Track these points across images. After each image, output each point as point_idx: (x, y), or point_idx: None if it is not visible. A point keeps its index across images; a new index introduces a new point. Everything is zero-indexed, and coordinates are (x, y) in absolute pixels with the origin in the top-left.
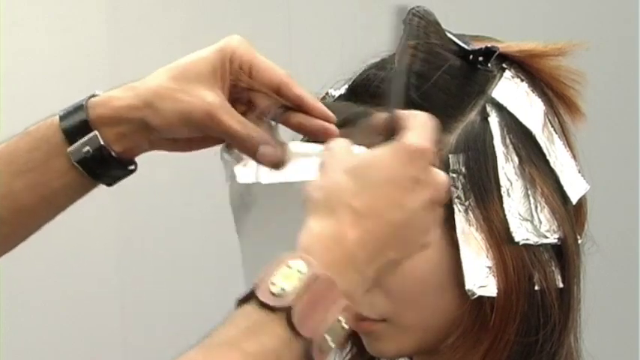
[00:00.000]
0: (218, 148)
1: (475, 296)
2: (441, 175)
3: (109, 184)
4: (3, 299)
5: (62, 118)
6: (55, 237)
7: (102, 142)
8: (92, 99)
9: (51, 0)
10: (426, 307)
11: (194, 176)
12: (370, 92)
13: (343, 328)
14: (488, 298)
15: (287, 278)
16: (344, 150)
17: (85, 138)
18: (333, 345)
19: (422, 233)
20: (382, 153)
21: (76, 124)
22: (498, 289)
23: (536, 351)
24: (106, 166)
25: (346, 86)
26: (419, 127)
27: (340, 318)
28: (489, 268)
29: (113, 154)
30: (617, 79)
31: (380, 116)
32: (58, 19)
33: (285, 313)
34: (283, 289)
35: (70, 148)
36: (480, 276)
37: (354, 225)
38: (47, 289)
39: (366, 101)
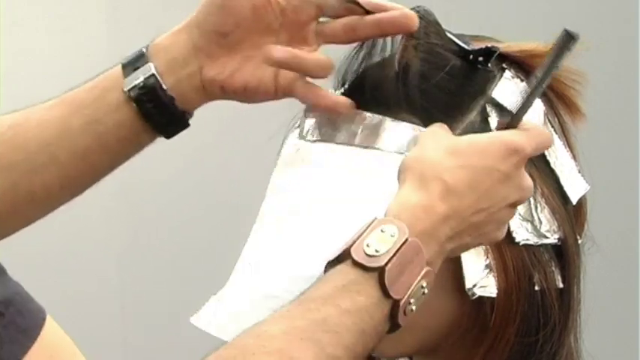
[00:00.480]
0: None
1: (475, 296)
2: (529, 180)
3: (162, 132)
4: None
5: (126, 60)
6: (56, 237)
7: (153, 71)
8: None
9: (51, 0)
10: (427, 306)
11: (195, 176)
12: (369, 92)
13: (424, 293)
14: (489, 298)
15: (381, 241)
16: (445, 130)
17: (139, 68)
18: (414, 308)
19: (498, 228)
20: (484, 141)
21: (134, 57)
22: (498, 289)
23: (536, 351)
24: (157, 103)
25: (346, 86)
26: (529, 130)
27: (423, 283)
28: (489, 268)
29: (164, 86)
30: (617, 79)
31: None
32: (58, 19)
33: (378, 273)
34: (377, 251)
35: (125, 80)
36: (480, 276)
37: (443, 199)
38: (47, 289)
39: (365, 101)
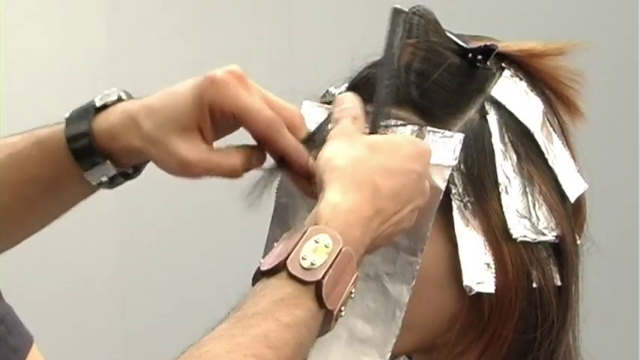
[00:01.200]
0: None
1: (473, 292)
2: (428, 186)
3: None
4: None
5: (69, 139)
6: (56, 237)
7: (115, 172)
8: (95, 121)
9: (51, 0)
10: (425, 303)
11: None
12: (369, 91)
13: (352, 298)
14: (487, 294)
15: (316, 252)
16: (359, 124)
17: (100, 166)
18: (343, 314)
19: (401, 230)
20: (400, 140)
21: (84, 148)
22: (496, 285)
23: (534, 348)
24: (116, 179)
25: (346, 84)
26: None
27: (352, 289)
28: (487, 264)
29: (128, 170)
30: (617, 79)
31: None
32: (58, 19)
33: (314, 286)
34: (313, 264)
35: (87, 175)
36: (478, 272)
37: (373, 203)
38: (47, 288)
39: (364, 99)
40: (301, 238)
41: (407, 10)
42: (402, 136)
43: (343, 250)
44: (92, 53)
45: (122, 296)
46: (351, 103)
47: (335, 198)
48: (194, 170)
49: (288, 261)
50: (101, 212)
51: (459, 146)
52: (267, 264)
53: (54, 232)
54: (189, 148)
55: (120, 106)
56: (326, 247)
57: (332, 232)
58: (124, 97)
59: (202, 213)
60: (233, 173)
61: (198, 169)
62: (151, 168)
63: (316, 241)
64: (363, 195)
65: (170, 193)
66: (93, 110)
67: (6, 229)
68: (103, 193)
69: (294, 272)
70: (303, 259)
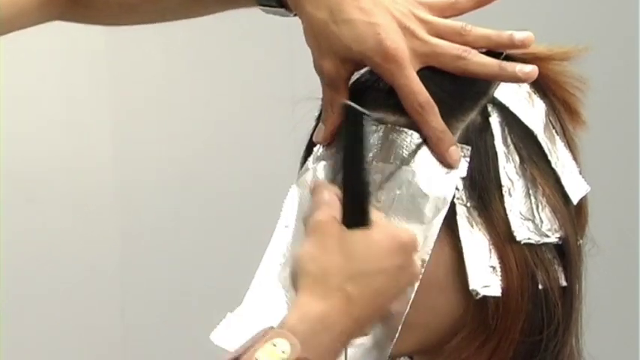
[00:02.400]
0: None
1: (479, 296)
2: (417, 267)
3: None
4: (3, 298)
5: None
6: (57, 234)
7: None
8: None
9: None
10: (429, 306)
11: (196, 175)
12: (372, 94)
13: None
14: (493, 297)
15: (270, 356)
16: (335, 224)
17: None
18: None
19: (388, 315)
20: (377, 236)
21: None
22: (502, 288)
23: (540, 350)
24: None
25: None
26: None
27: None
28: (493, 267)
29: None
30: (618, 80)
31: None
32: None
33: None
34: None
35: None
36: (484, 276)
37: (344, 312)
38: (48, 285)
39: (367, 103)
40: (261, 338)
41: None
42: (381, 229)
43: (300, 358)
44: (92, 53)
45: (122, 293)
46: (328, 197)
47: (304, 305)
48: (323, 77)
49: (242, 358)
50: (102, 209)
51: (467, 158)
52: (227, 356)
53: (55, 229)
54: (332, 67)
55: None
56: (283, 352)
57: (292, 339)
58: None
59: (203, 210)
60: None
61: (329, 79)
62: (151, 167)
63: (274, 345)
64: (334, 303)
65: (171, 190)
66: None
67: None
68: (103, 191)
69: None
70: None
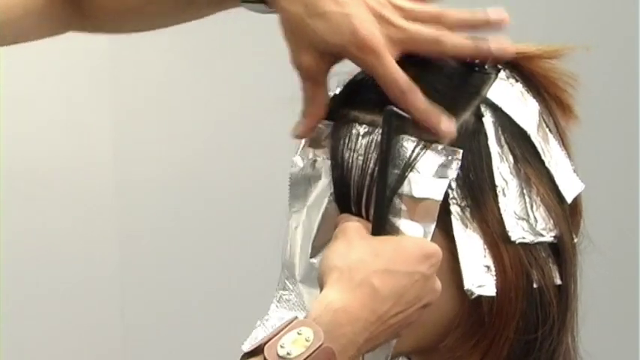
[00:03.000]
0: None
1: (474, 296)
2: (439, 283)
3: None
4: (2, 298)
5: None
6: (56, 235)
7: None
8: None
9: None
10: None
11: (196, 176)
12: (364, 94)
13: None
14: (487, 297)
15: (295, 343)
16: (365, 227)
17: None
18: None
19: (406, 326)
20: (406, 242)
21: None
22: (497, 288)
23: (535, 348)
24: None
25: (340, 88)
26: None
27: None
28: (487, 267)
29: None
30: (617, 79)
31: None
32: None
33: None
34: (289, 353)
35: None
36: (479, 275)
37: (368, 306)
38: (48, 286)
39: (359, 103)
40: (286, 326)
41: None
42: (410, 237)
43: (323, 346)
44: (92, 53)
45: (122, 293)
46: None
47: (329, 296)
48: (302, 72)
49: (266, 346)
50: (102, 209)
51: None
52: (248, 345)
53: (55, 229)
54: (311, 61)
55: None
56: (306, 340)
57: (316, 327)
58: None
59: (203, 210)
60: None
61: (309, 73)
62: (150, 167)
63: (299, 333)
64: (358, 296)
65: (171, 190)
66: None
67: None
68: (103, 191)
69: (269, 358)
70: (281, 347)
